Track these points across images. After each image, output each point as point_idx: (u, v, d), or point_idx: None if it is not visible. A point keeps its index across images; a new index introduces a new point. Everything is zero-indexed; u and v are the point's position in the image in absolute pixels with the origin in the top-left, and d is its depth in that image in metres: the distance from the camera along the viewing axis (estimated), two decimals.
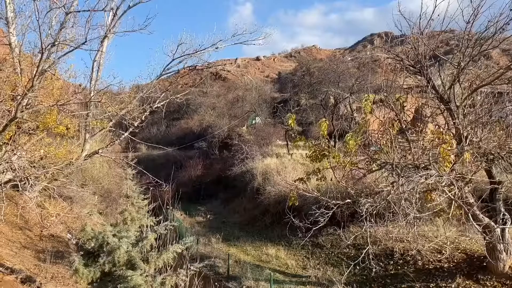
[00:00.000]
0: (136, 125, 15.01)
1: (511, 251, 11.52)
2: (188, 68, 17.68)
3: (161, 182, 16.68)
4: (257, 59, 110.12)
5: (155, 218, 9.83)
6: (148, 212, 10.13)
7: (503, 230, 11.07)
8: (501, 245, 11.07)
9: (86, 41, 8.78)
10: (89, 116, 14.56)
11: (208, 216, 29.74)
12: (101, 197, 22.47)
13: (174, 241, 9.24)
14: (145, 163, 35.18)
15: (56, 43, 9.96)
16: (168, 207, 11.88)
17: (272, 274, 14.26)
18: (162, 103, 15.68)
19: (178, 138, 54.76)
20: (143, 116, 15.27)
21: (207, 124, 52.07)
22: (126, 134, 16.19)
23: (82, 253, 8.29)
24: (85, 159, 15.37)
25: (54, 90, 12.87)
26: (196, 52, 15.70)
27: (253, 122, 48.64)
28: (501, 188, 11.19)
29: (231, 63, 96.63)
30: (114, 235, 8.40)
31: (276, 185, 25.11)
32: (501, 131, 10.34)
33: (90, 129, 15.53)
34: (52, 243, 14.02)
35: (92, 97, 13.02)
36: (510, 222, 11.50)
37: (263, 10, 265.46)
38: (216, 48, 15.96)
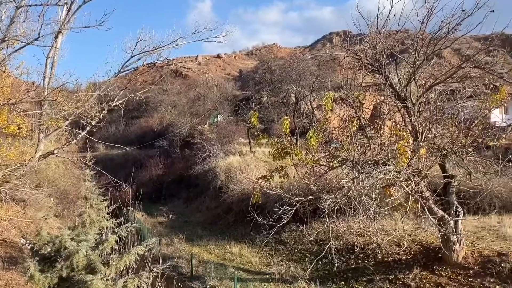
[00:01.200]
0: (93, 124, 14.56)
1: (464, 242, 12.10)
2: (147, 65, 17.31)
3: (120, 182, 16.27)
4: (218, 56, 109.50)
5: (116, 219, 9.54)
6: (108, 213, 9.82)
7: (456, 222, 11.60)
8: (455, 237, 11.59)
9: (39, 37, 8.42)
10: (43, 115, 13.95)
11: (170, 216, 29.30)
12: (58, 199, 21.63)
13: (136, 243, 9.03)
14: (103, 163, 34.21)
15: (6, 38, 9.46)
16: (128, 208, 11.59)
17: (236, 272, 14.24)
18: (120, 101, 15.28)
19: (137, 137, 53.60)
20: (101, 115, 14.83)
21: (167, 122, 51.25)
22: (83, 133, 15.66)
23: (37, 258, 7.93)
24: (40, 160, 14.73)
25: (5, 88, 12.24)
26: (156, 49, 15.41)
27: (215, 120, 48.37)
28: (454, 182, 11.71)
29: (191, 61, 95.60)
30: (72, 239, 8.09)
31: (239, 183, 25.12)
32: (453, 127, 10.83)
33: (44, 129, 14.87)
34: (4, 249, 13.36)
35: (46, 96, 12.49)
36: (462, 215, 12.09)
37: (223, 7, 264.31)
38: (176, 45, 15.73)
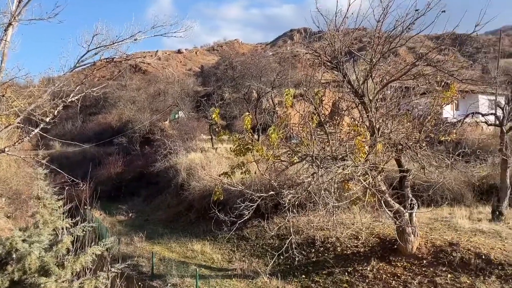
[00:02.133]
0: (47, 121, 13.95)
1: (418, 233, 12.62)
2: (105, 60, 16.78)
3: (77, 181, 15.71)
4: (179, 52, 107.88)
5: (71, 219, 9.22)
6: (63, 213, 9.46)
7: (411, 215, 12.07)
8: (410, 228, 12.06)
9: None
10: None
11: (130, 214, 28.67)
12: (10, 199, 20.65)
13: (93, 243, 8.77)
14: (59, 161, 32.92)
15: None
16: (86, 207, 11.21)
17: (197, 269, 14.15)
18: (76, 97, 14.73)
19: (95, 134, 51.97)
20: (56, 111, 14.23)
21: (127, 118, 50.02)
22: (36, 130, 14.95)
23: None
24: None
25: None
26: (113, 43, 14.92)
27: (176, 116, 47.69)
28: (409, 175, 12.18)
29: (151, 56, 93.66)
30: (24, 240, 7.75)
31: (201, 180, 24.90)
32: (408, 123, 11.22)
33: None
34: None
35: None
36: (417, 207, 12.60)
37: (183, 2, 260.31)
38: (135, 40, 15.29)
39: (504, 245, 12.10)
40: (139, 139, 42.34)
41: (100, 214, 26.53)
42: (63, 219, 8.92)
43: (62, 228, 8.74)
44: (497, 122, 16.76)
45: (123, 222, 26.64)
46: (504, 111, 16.16)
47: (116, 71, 73.16)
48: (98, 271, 8.29)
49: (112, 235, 19.17)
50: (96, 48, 14.87)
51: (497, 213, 15.29)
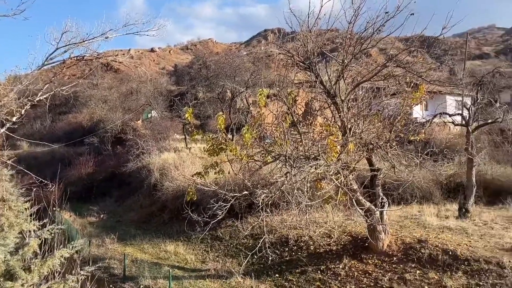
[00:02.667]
0: (14, 120, 13.51)
1: (388, 231, 12.90)
2: (75, 58, 16.37)
3: (46, 182, 15.26)
4: (152, 50, 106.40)
5: (39, 221, 8.95)
6: (30, 215, 9.17)
7: (381, 213, 12.33)
8: (380, 226, 12.31)
9: None
10: None
11: (102, 215, 28.05)
12: None
13: (62, 245, 8.54)
14: (27, 162, 31.92)
15: None
16: (54, 208, 10.91)
17: (171, 270, 14.00)
18: (45, 96, 14.33)
19: (65, 133, 50.55)
20: (23, 110, 13.80)
21: (98, 118, 48.88)
22: (2, 130, 14.47)
23: None
24: None
25: None
26: (84, 41, 14.58)
27: (149, 115, 47.00)
28: (380, 174, 12.42)
29: (123, 54, 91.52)
30: None
31: (174, 181, 24.66)
32: (379, 123, 11.46)
33: None
34: None
35: None
36: (387, 205, 12.88)
37: (156, 0, 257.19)
38: (106, 38, 14.99)
39: (470, 241, 12.54)
40: (111, 139, 41.49)
41: (70, 216, 25.85)
42: (30, 221, 8.65)
43: (29, 231, 8.47)
44: (463, 122, 17.34)
45: (94, 223, 26.06)
46: (470, 112, 16.73)
47: (87, 70, 71.41)
48: (67, 274, 8.08)
49: (82, 237, 18.74)
50: (66, 45, 14.49)
51: (464, 210, 15.83)
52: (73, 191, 26.04)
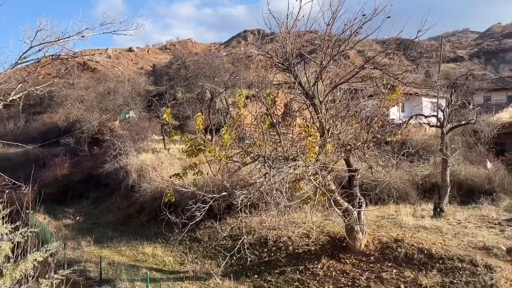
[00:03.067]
0: None
1: (366, 231, 13.06)
2: (50, 57, 16.00)
3: (19, 183, 14.86)
4: (130, 50, 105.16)
5: (11, 224, 8.68)
6: (3, 218, 8.90)
7: (359, 213, 12.48)
8: (358, 226, 12.46)
9: None
10: None
11: (78, 218, 27.46)
12: None
13: (35, 249, 8.30)
14: (0, 163, 31.02)
15: None
16: (28, 211, 10.61)
17: (148, 273, 13.81)
18: (18, 96, 13.96)
19: (40, 134, 49.40)
20: None
21: (74, 118, 47.82)
22: None
23: None
24: None
25: None
26: (59, 39, 14.26)
27: (127, 116, 46.33)
28: (357, 175, 12.59)
29: (100, 53, 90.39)
30: None
31: (152, 182, 24.33)
32: (356, 124, 11.60)
33: None
34: None
35: None
36: (365, 205, 13.05)
37: None
38: (82, 37, 14.70)
39: (444, 240, 12.83)
40: (88, 139, 40.68)
41: (45, 218, 25.21)
42: (2, 224, 8.38)
43: (1, 234, 8.21)
44: (438, 124, 17.74)
45: (70, 226, 25.49)
46: (445, 113, 17.13)
47: (63, 69, 70.10)
48: (40, 278, 7.86)
49: (57, 239, 18.28)
50: (40, 44, 14.13)
51: (438, 209, 16.19)
52: (48, 193, 25.43)
